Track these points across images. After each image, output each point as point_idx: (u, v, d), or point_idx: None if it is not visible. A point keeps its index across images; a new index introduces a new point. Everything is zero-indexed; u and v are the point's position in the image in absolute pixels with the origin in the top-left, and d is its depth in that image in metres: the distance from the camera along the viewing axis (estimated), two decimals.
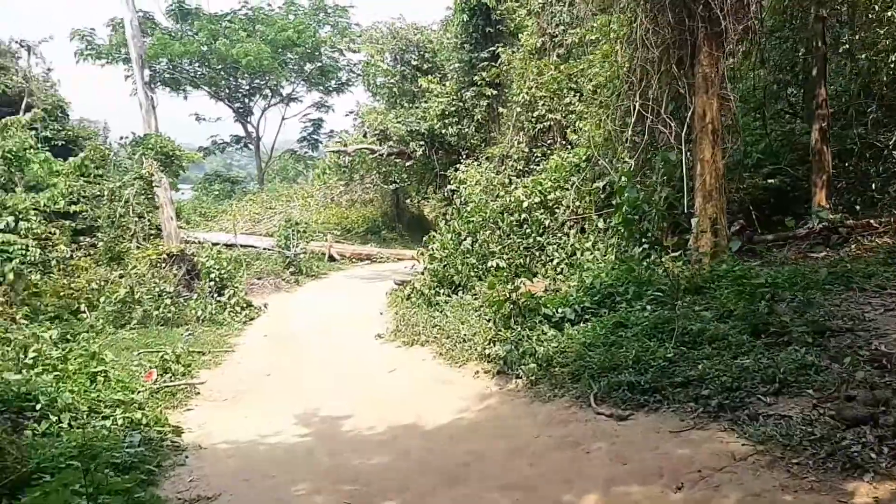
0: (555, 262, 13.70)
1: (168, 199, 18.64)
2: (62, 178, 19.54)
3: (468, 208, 14.98)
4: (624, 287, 10.31)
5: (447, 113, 20.77)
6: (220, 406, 9.41)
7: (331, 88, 45.57)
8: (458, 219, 14.96)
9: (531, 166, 17.59)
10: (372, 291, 19.21)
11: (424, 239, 17.35)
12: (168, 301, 14.38)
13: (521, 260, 13.96)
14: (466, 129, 21.06)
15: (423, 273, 14.90)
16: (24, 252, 12.15)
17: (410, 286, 15.51)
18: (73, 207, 18.43)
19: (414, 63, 26.97)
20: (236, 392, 10.14)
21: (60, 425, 7.20)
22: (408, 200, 34.64)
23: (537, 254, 14.03)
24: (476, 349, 10.15)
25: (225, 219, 29.24)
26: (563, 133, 17.66)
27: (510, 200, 14.94)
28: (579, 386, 7.93)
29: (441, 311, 12.89)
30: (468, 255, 13.95)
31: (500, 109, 19.07)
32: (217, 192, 37.55)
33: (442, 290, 13.81)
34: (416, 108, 21.97)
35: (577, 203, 14.27)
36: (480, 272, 13.90)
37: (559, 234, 14.25)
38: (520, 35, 18.95)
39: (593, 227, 13.40)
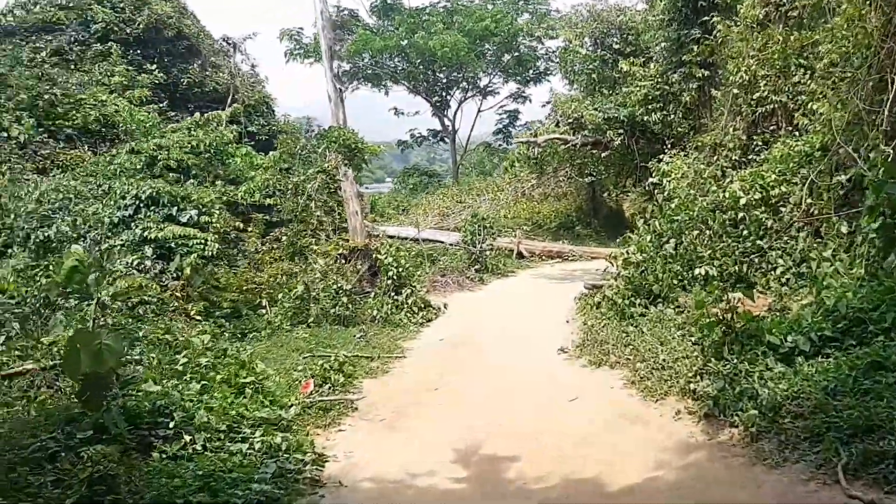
0: (779, 271, 11.31)
1: (353, 194, 18.30)
2: (260, 171, 19.99)
3: (672, 205, 12.90)
4: (880, 312, 7.90)
5: (650, 98, 18.58)
6: (375, 427, 8.38)
7: (528, 78, 44.27)
8: (659, 217, 12.93)
9: (749, 157, 15.03)
10: (560, 294, 17.65)
11: (619, 240, 15.46)
12: (345, 299, 13.81)
13: (736, 268, 11.70)
14: (672, 116, 18.73)
15: (616, 278, 13.06)
16: (202, 246, 12.09)
17: (601, 293, 13.76)
18: (268, 200, 18.69)
19: (616, 47, 24.83)
20: (397, 408, 9.09)
21: (194, 446, 6.47)
22: (605, 194, 32.46)
23: (756, 261, 11.68)
24: (678, 381, 8.29)
25: (417, 213, 29.00)
26: (789, 117, 14.90)
27: (723, 196, 12.65)
28: (821, 450, 5.90)
29: (636, 327, 11.05)
30: (671, 260, 11.93)
31: (713, 92, 16.56)
32: (412, 186, 37.70)
33: (637, 301, 11.92)
34: (616, 94, 19.97)
35: (810, 201, 11.70)
36: (685, 281, 11.84)
37: (785, 238, 11.78)
38: (738, 6, 16.32)
39: (833, 231, 10.82)
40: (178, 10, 28.16)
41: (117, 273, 11.20)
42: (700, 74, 18.36)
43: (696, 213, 12.38)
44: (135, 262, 11.84)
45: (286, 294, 13.58)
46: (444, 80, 45.18)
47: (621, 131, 18.64)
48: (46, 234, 12.13)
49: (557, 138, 18.84)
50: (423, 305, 15.13)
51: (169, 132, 18.36)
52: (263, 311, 13.99)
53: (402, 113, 47.88)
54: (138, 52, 26.14)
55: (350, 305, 14.08)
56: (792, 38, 14.76)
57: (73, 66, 23.42)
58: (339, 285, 14.01)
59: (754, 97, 15.29)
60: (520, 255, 24.95)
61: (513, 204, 28.07)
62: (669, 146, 18.71)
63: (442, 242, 24.07)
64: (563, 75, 27.66)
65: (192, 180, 19.19)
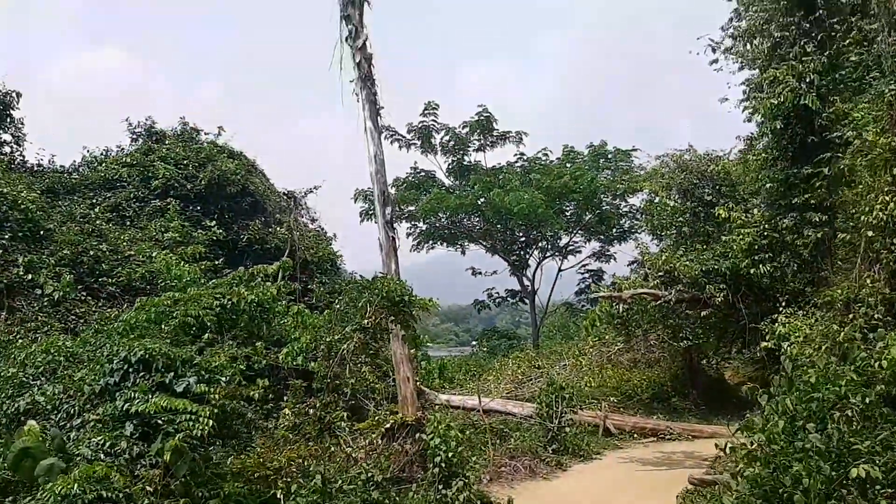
0: None
1: (404, 356, 15.72)
2: (308, 331, 17.83)
3: (807, 377, 9.61)
4: None
5: (757, 247, 15.68)
6: None
7: (611, 237, 42.02)
8: (788, 393, 9.63)
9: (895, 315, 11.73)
10: (658, 487, 14.08)
11: (730, 420, 12.03)
12: (375, 495, 10.81)
13: None
14: (785, 268, 15.66)
15: (736, 477, 9.61)
16: (192, 422, 9.56)
17: (714, 493, 10.31)
18: (311, 365, 16.33)
19: (708, 198, 22.31)
20: None
21: None
22: (703, 361, 28.63)
23: None
24: None
25: (488, 379, 26.01)
26: None
27: (877, 365, 9.36)
28: None
29: None
30: (815, 456, 8.52)
31: (839, 236, 13.52)
32: (490, 349, 34.82)
33: None
34: (712, 247, 17.13)
35: None
36: (836, 486, 8.36)
37: None
38: (861, 135, 13.65)
39: None
40: (245, 167, 27.74)
41: (79, 457, 8.72)
42: (818, 219, 15.43)
43: (844, 388, 9.07)
44: (106, 444, 9.40)
45: (302, 486, 10.72)
46: (522, 239, 43.47)
47: (723, 286, 15.64)
48: (16, 406, 9.93)
49: (646, 293, 15.99)
50: (480, 502, 11.89)
51: (205, 288, 16.56)
52: None
53: (480, 272, 46.13)
54: (198, 207, 25.43)
55: (384, 500, 11.04)
56: None
57: (128, 223, 22.65)
58: (370, 475, 11.05)
59: (895, 241, 12.20)
60: (606, 432, 21.30)
61: (597, 371, 24.74)
62: (784, 304, 15.50)
63: (514, 415, 20.81)
64: (650, 230, 25.06)
65: (229, 341, 17.19)
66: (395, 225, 16.28)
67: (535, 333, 42.47)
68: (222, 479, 10.59)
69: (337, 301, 15.24)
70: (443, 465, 11.70)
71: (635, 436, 21.48)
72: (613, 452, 19.35)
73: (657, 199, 24.14)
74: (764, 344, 14.96)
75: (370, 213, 41.20)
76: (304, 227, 28.34)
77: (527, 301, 45.33)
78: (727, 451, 10.47)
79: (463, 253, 45.28)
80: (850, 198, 14.16)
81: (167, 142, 28.78)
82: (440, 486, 11.71)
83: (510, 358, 27.68)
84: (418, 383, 20.37)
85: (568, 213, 41.54)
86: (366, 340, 12.62)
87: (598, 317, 16.48)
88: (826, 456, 8.42)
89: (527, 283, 44.65)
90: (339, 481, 10.86)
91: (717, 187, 22.57)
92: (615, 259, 42.48)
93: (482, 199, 38.81)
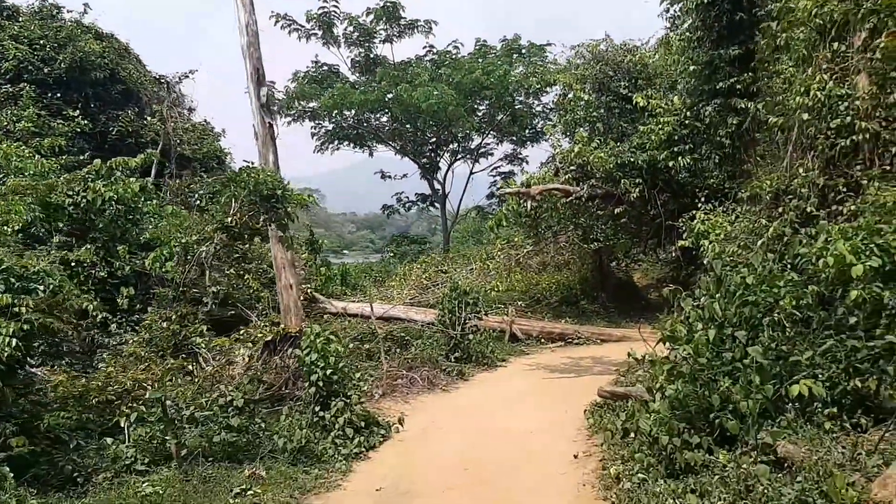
0: None
1: (286, 261, 13.76)
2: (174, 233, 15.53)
3: (739, 279, 8.23)
4: None
5: (676, 138, 14.21)
6: None
7: (524, 138, 40.41)
8: (716, 297, 8.26)
9: (832, 207, 10.53)
10: (566, 398, 12.97)
11: (641, 322, 10.78)
12: (234, 421, 9.04)
13: (854, 382, 7.01)
14: (706, 160, 14.31)
15: (655, 394, 8.29)
16: None
17: (631, 409, 9.07)
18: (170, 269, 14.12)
19: (624, 92, 20.71)
20: None
21: None
22: (613, 263, 27.91)
23: (891, 371, 6.99)
24: None
25: (392, 286, 24.41)
26: (886, 150, 10.55)
27: (816, 264, 8.09)
28: None
29: (701, 497, 6.26)
30: (749, 370, 7.21)
31: (771, 120, 12.07)
32: (399, 255, 33.13)
33: (696, 438, 7.12)
34: (629, 140, 15.53)
35: None
36: (772, 406, 7.11)
37: None
38: (797, 5, 12.08)
39: None
40: (116, 51, 24.21)
41: None
42: (742, 105, 14.03)
43: (783, 290, 7.75)
44: None
45: (143, 414, 8.82)
46: (433, 140, 41.35)
47: (639, 181, 14.20)
48: None
49: (557, 189, 14.38)
50: (363, 424, 10.33)
51: (46, 182, 13.90)
52: (121, 437, 9.19)
53: (390, 176, 44.01)
54: (59, 95, 22.06)
55: (249, 426, 9.31)
56: (884, 38, 10.50)
57: None
58: (231, 398, 9.25)
59: (831, 125, 10.88)
60: (513, 338, 20.21)
61: (505, 275, 23.46)
62: (703, 200, 14.24)
63: (416, 322, 19.34)
64: (563, 128, 23.38)
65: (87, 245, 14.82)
66: (272, 109, 13.91)
67: (446, 238, 41.05)
68: (43, 407, 8.58)
69: (197, 196, 13.00)
70: (320, 383, 10.00)
71: (543, 341, 20.50)
72: (519, 359, 18.25)
73: (571, 94, 22.38)
74: (681, 243, 13.77)
75: None
76: (184, 120, 25.27)
77: (438, 206, 43.68)
78: (643, 360, 9.19)
79: (371, 155, 42.86)
80: (781, 81, 12.75)
81: (21, 19, 24.80)
82: (317, 409, 10.05)
83: (416, 263, 26.05)
84: (310, 290, 18.51)
85: (480, 113, 39.54)
86: (230, 242, 10.48)
87: (504, 216, 14.87)
88: (762, 371, 7.11)
89: (437, 186, 42.87)
90: (192, 407, 9.00)
91: (634, 80, 20.99)
92: (527, 162, 40.99)
93: (390, 96, 36.16)
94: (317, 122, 40.32)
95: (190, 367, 10.43)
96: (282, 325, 12.76)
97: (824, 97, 10.83)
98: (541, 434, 10.56)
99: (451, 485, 8.48)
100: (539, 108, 39.14)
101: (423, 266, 24.99)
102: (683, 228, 13.67)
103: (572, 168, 14.56)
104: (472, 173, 41.72)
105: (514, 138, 40.95)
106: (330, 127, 40.51)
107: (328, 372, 10.03)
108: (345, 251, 66.42)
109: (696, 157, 14.10)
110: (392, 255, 34.06)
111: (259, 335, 11.38)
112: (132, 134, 22.94)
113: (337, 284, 26.48)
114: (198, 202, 12.43)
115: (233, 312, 15.95)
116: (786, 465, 6.12)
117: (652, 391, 8.20)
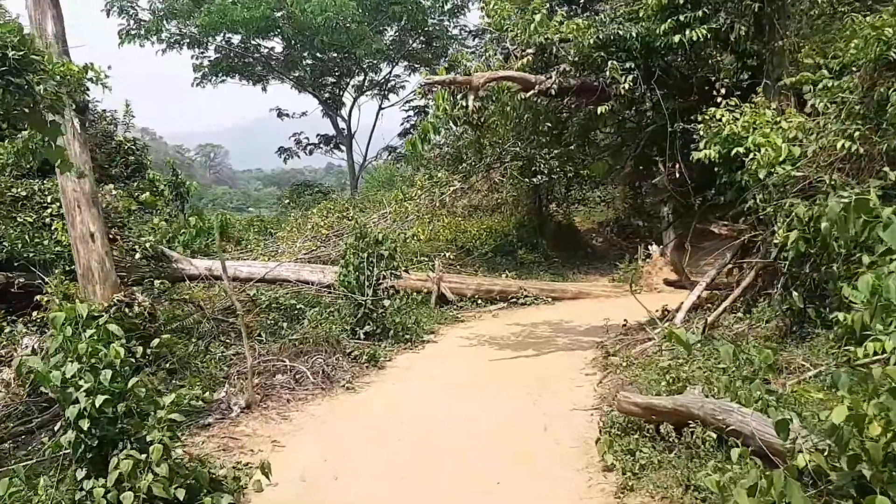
0: None
1: (82, 198, 8.43)
2: None
3: None
4: None
5: (682, 1, 9.52)
6: None
7: (440, 67, 35.06)
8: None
9: None
10: (535, 392, 8.47)
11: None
12: None
13: None
14: (725, 34, 9.67)
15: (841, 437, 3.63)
16: None
17: (771, 479, 4.42)
18: None
19: None
20: None
21: None
22: (552, 205, 23.49)
23: None
24: None
25: (285, 238, 19.14)
26: None
27: None
28: None
29: None
30: None
31: None
32: (305, 206, 27.53)
33: None
34: (615, 7, 10.63)
35: None
36: None
37: None
38: None
39: None
40: None
41: None
42: None
43: None
44: None
45: None
46: (336, 72, 35.61)
47: (630, 65, 9.48)
48: None
49: (512, 78, 9.41)
50: (185, 491, 5.28)
51: None
52: None
53: (287, 114, 38.08)
54: None
55: None
56: None
57: None
58: None
59: None
60: (442, 300, 15.49)
61: (427, 221, 18.59)
62: (720, 95, 9.68)
63: (310, 285, 14.26)
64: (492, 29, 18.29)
65: None
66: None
67: (354, 184, 35.75)
68: None
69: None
70: (86, 425, 4.89)
71: (479, 302, 15.86)
72: (453, 329, 13.51)
73: None
74: (696, 155, 9.17)
75: (131, 33, 31.11)
76: None
77: (343, 148, 38.18)
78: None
79: (264, 89, 36.83)
80: None
81: None
82: (81, 473, 4.96)
83: (314, 210, 20.74)
84: (151, 244, 13.12)
85: (388, 38, 34.04)
86: None
87: (431, 127, 9.91)
88: None
89: (343, 126, 37.33)
90: None
91: None
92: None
93: (279, 13, 30.14)
94: (198, 50, 33.99)
95: None
96: (80, 299, 7.50)
97: None
98: (517, 488, 5.84)
99: None
100: (456, 31, 34.07)
101: (322, 212, 19.70)
102: (703, 133, 9.07)
103: (529, 51, 9.70)
104: (381, 109, 36.40)
105: (429, 68, 35.62)
106: (213, 56, 34.26)
107: (101, 402, 4.91)
108: (251, 208, 60.54)
109: (712, 27, 9.46)
110: (289, 203, 28.32)
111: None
112: None
113: (213, 239, 21.02)
114: None
115: (23, 280, 10.55)
116: None
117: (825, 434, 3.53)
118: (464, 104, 9.36)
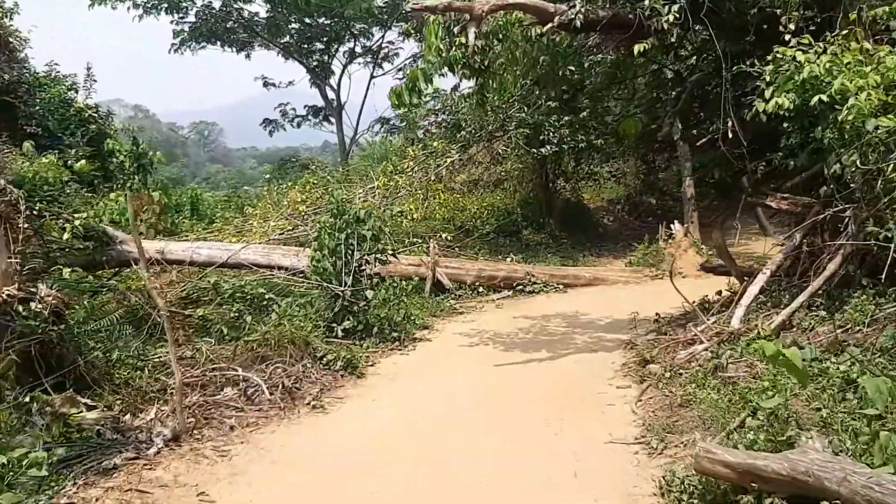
0: None
1: None
2: None
3: None
4: None
5: None
6: None
7: None
8: None
9: None
10: (555, 413, 6.37)
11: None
12: None
13: None
14: None
15: None
16: None
17: None
18: None
19: None
20: None
21: None
22: (559, 180, 21.29)
23: None
24: None
25: (258, 216, 16.98)
26: None
27: None
28: None
29: None
30: None
31: None
32: (272, 179, 25.32)
33: None
34: None
35: None
36: None
37: None
38: None
39: None
40: None
41: None
42: None
43: None
44: None
45: None
46: (325, 38, 33.22)
47: None
48: None
49: (524, 5, 7.23)
50: None
51: None
52: None
53: (273, 84, 35.75)
54: None
55: None
56: None
57: None
58: None
59: None
60: (438, 287, 13.40)
61: (421, 197, 16.45)
62: (790, 32, 7.55)
63: (284, 270, 12.16)
64: None
65: None
66: None
67: (344, 158, 33.44)
68: None
69: None
70: None
71: (481, 289, 13.80)
72: (450, 324, 11.45)
73: None
74: (763, 106, 7.05)
75: None
76: None
77: (333, 120, 35.87)
78: None
79: (248, 57, 34.43)
80: None
81: None
82: None
83: (296, 185, 18.55)
84: (92, 222, 11.07)
85: (381, 1, 31.64)
86: None
87: (422, 74, 7.79)
88: None
89: (332, 95, 35.00)
90: None
91: None
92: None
93: None
94: (178, 14, 31.61)
95: None
96: None
97: None
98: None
99: None
100: None
101: (304, 187, 17.50)
102: (770, 78, 6.95)
103: None
104: (373, 78, 33.96)
105: None
106: (193, 20, 31.88)
107: None
108: (245, 187, 58.25)
109: None
110: (270, 179, 25.89)
111: None
112: None
113: (183, 217, 18.91)
114: None
115: None
116: None
117: None
118: (462, 41, 7.19)
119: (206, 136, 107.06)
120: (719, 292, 9.84)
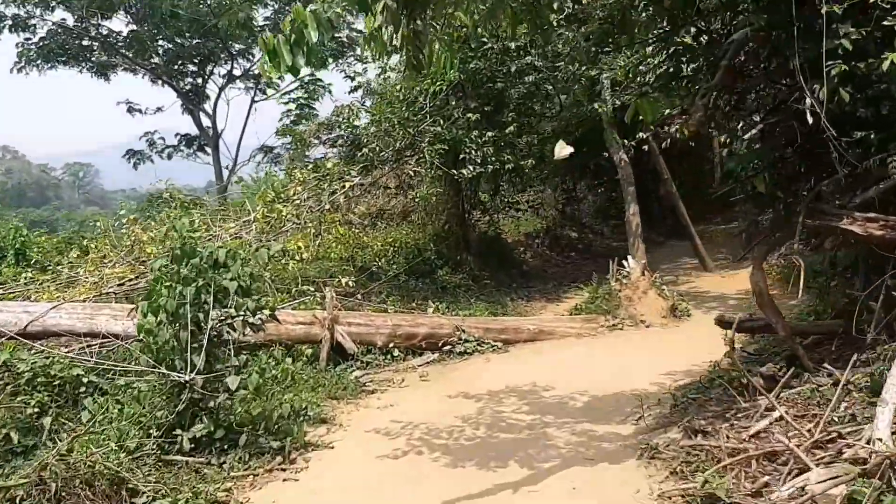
0: None
1: None
2: None
3: None
4: None
5: None
6: None
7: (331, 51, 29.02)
8: None
9: None
10: None
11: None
12: None
13: None
14: None
15: None
16: None
17: None
18: None
19: None
20: None
21: None
22: (477, 211, 18.15)
23: None
24: None
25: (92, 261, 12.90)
26: None
27: None
28: None
29: None
30: None
31: None
32: (130, 217, 20.76)
33: None
34: None
35: None
36: None
37: None
38: None
39: None
40: None
41: None
42: None
43: None
44: None
45: None
46: (197, 59, 29.17)
47: None
48: None
49: None
50: None
51: None
52: None
53: (139, 110, 31.07)
54: None
55: None
56: None
57: None
58: None
59: None
60: (338, 352, 9.77)
61: (312, 232, 12.90)
62: None
63: (116, 338, 8.31)
64: None
65: None
66: None
67: (223, 190, 29.19)
68: None
69: None
70: None
71: (396, 353, 10.29)
72: (360, 414, 7.88)
73: None
74: (885, 64, 4.09)
75: None
76: None
77: (209, 150, 31.61)
78: None
79: (107, 79, 29.82)
80: None
81: None
82: None
83: (133, 218, 14.43)
84: None
85: (262, 17, 27.97)
86: None
87: (312, 18, 4.52)
88: None
89: (207, 123, 30.83)
90: None
91: None
92: (330, 91, 29.41)
93: None
94: (25, 33, 26.89)
95: None
96: None
97: None
98: None
99: None
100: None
101: (160, 225, 13.49)
102: (860, 34, 4.06)
103: None
104: (254, 102, 30.02)
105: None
106: (37, 38, 27.17)
107: None
108: (123, 230, 52.33)
109: None
110: (127, 216, 21.21)
111: None
112: None
113: (9, 265, 14.49)
114: None
115: None
116: None
117: None
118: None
119: (81, 177, 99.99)
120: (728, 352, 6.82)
